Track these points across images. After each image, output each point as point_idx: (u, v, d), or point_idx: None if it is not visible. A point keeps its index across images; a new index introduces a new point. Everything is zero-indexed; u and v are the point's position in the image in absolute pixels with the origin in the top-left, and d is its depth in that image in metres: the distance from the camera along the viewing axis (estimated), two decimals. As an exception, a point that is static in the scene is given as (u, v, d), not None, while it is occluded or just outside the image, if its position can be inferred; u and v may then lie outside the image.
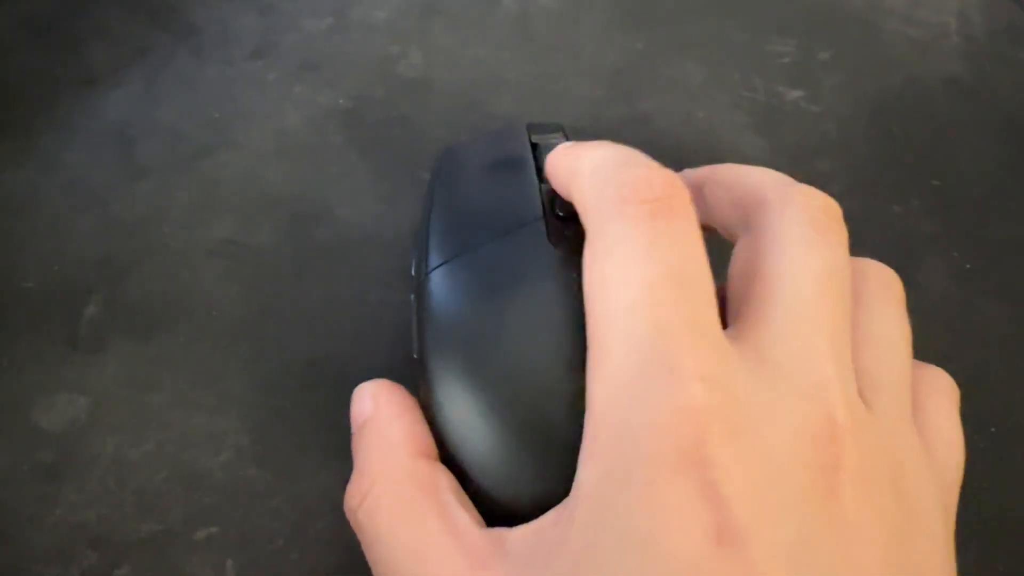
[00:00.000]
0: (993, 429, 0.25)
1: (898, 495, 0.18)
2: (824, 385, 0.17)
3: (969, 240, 0.28)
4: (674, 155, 0.29)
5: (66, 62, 0.30)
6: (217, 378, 0.24)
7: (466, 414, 0.20)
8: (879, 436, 0.18)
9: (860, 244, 0.27)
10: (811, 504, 0.16)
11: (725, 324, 0.19)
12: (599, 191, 0.19)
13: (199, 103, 0.29)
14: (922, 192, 0.29)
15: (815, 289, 0.19)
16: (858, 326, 0.20)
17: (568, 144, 0.22)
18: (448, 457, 0.20)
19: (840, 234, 0.20)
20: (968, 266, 0.27)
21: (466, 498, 0.19)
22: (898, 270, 0.27)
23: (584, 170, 0.20)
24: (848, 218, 0.28)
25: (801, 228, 0.20)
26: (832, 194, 0.28)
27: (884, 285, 0.21)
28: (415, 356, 0.21)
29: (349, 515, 0.20)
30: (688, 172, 0.23)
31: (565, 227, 0.22)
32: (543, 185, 0.23)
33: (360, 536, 0.19)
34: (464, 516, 0.18)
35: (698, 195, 0.22)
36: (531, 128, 0.25)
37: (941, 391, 0.21)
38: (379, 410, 0.21)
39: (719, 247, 0.20)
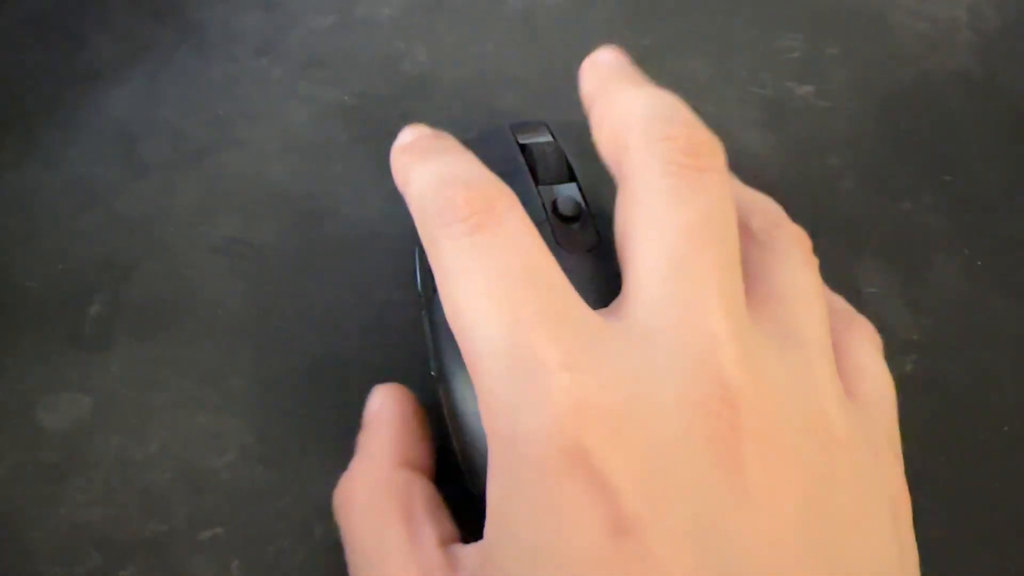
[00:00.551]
0: (1006, 428, 0.24)
1: (822, 444, 0.17)
2: (711, 347, 0.17)
3: (980, 236, 0.28)
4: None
5: (69, 59, 0.30)
6: (222, 377, 0.24)
7: None
8: (792, 387, 0.17)
9: (870, 240, 0.27)
10: (710, 477, 0.16)
11: None
12: (423, 216, 0.19)
13: (203, 101, 0.29)
14: (932, 188, 0.29)
15: (688, 243, 0.18)
16: (758, 276, 0.19)
17: (400, 146, 0.22)
18: (471, 465, 0.20)
19: (712, 171, 0.19)
20: (979, 263, 0.27)
21: (442, 514, 0.20)
22: (909, 267, 0.27)
23: (411, 195, 0.20)
24: (857, 214, 0.28)
25: (663, 179, 0.19)
26: (842, 190, 0.28)
27: (786, 234, 0.21)
28: (432, 374, 0.21)
29: (333, 508, 0.20)
30: (585, 76, 0.23)
31: (570, 228, 0.21)
32: (540, 187, 0.23)
33: (342, 536, 0.20)
34: (428, 530, 0.19)
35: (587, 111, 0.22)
36: (515, 128, 0.25)
37: (859, 334, 0.21)
38: (380, 414, 0.21)
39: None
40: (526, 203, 0.22)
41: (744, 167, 0.29)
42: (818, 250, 0.26)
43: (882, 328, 0.25)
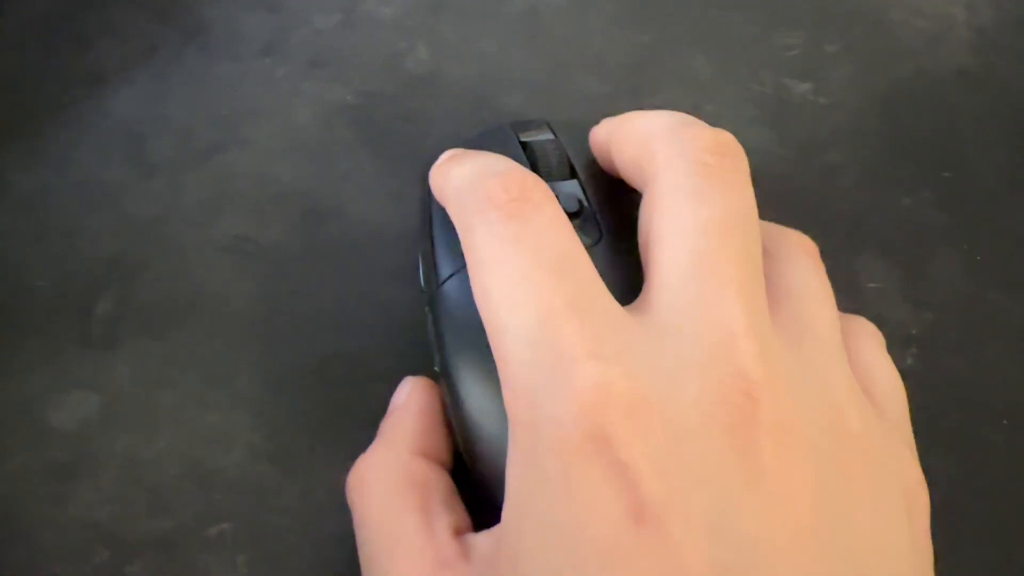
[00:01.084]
0: (1005, 422, 0.24)
1: (837, 439, 0.17)
2: (732, 341, 0.17)
3: (980, 232, 0.28)
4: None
5: (75, 61, 0.30)
6: (229, 376, 0.24)
7: (497, 420, 0.20)
8: (808, 383, 0.18)
9: (871, 236, 0.27)
10: (728, 467, 0.16)
11: None
12: (461, 208, 0.20)
13: (208, 100, 0.29)
14: (933, 184, 0.29)
15: (711, 242, 0.18)
16: (773, 281, 0.19)
17: (441, 161, 0.22)
18: (477, 464, 0.20)
19: (735, 172, 0.19)
20: (979, 258, 0.27)
21: (457, 505, 0.20)
22: (909, 263, 0.27)
23: (450, 189, 0.21)
24: (858, 211, 0.28)
25: (688, 179, 0.19)
26: (842, 187, 0.29)
27: (795, 243, 0.21)
28: (436, 369, 0.21)
29: (346, 491, 0.20)
30: (596, 129, 0.23)
31: (573, 224, 0.22)
32: None
33: (352, 513, 0.20)
34: (443, 518, 0.19)
35: (607, 155, 0.22)
36: (516, 127, 0.25)
37: (864, 334, 0.21)
38: (406, 404, 0.22)
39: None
40: None
41: (745, 164, 0.29)
42: (818, 246, 0.26)
43: (882, 323, 0.25)
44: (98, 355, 0.24)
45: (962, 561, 0.22)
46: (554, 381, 0.17)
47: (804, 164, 0.29)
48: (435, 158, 0.23)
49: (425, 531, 0.19)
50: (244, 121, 0.29)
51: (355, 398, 0.24)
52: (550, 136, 0.24)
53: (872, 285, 0.27)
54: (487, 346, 0.20)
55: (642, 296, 0.19)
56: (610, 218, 0.22)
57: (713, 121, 0.30)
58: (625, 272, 0.21)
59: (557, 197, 0.22)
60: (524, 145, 0.24)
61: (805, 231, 0.27)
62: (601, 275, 0.20)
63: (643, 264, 0.20)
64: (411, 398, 0.22)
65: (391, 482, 0.20)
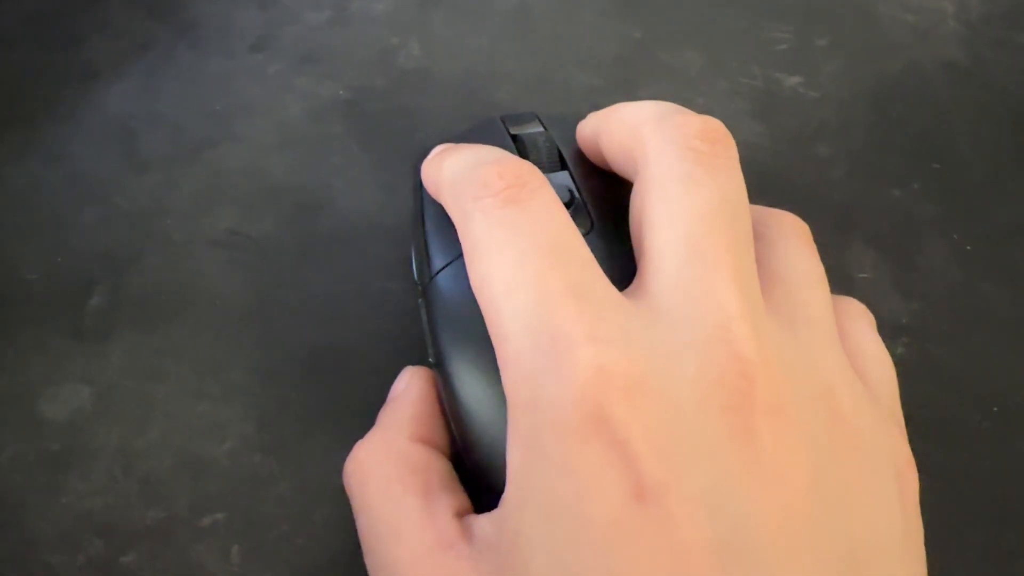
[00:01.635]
0: (995, 409, 0.25)
1: (831, 420, 0.17)
2: (727, 323, 0.17)
3: (970, 222, 0.28)
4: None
5: (68, 57, 0.30)
6: (221, 367, 0.24)
7: (491, 409, 0.20)
8: (801, 365, 0.18)
9: (861, 228, 0.28)
10: (725, 447, 0.16)
11: None
12: (456, 197, 0.20)
13: (200, 96, 0.30)
14: (922, 176, 0.29)
15: (704, 226, 0.18)
16: (764, 264, 0.20)
17: (435, 152, 0.23)
18: (473, 453, 0.20)
19: (725, 157, 0.20)
20: (969, 248, 0.27)
21: (457, 488, 0.20)
22: (899, 253, 0.27)
23: (444, 179, 0.21)
24: (848, 202, 0.28)
25: (679, 164, 0.19)
26: (832, 178, 0.29)
27: (787, 225, 0.21)
28: (430, 360, 0.21)
29: (344, 478, 0.20)
30: (584, 123, 0.23)
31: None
32: None
33: (350, 501, 0.20)
34: (444, 501, 0.19)
35: (596, 147, 0.22)
36: (506, 120, 0.25)
37: (855, 315, 0.21)
38: (406, 392, 0.21)
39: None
40: None
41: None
42: (809, 236, 0.26)
43: (873, 313, 0.25)
44: (91, 347, 0.24)
45: (951, 547, 0.22)
46: (553, 363, 0.17)
47: (794, 156, 0.29)
48: (427, 151, 0.24)
49: (426, 514, 0.19)
50: (236, 116, 0.29)
51: (347, 389, 0.24)
52: (540, 129, 0.25)
53: (863, 276, 0.27)
54: (481, 336, 0.20)
55: (636, 281, 0.19)
56: (601, 208, 0.22)
57: (705, 114, 0.30)
58: (617, 261, 0.21)
59: None
60: (515, 138, 0.24)
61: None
62: None
63: (635, 251, 0.20)
64: (411, 387, 0.22)
65: (390, 467, 0.20)
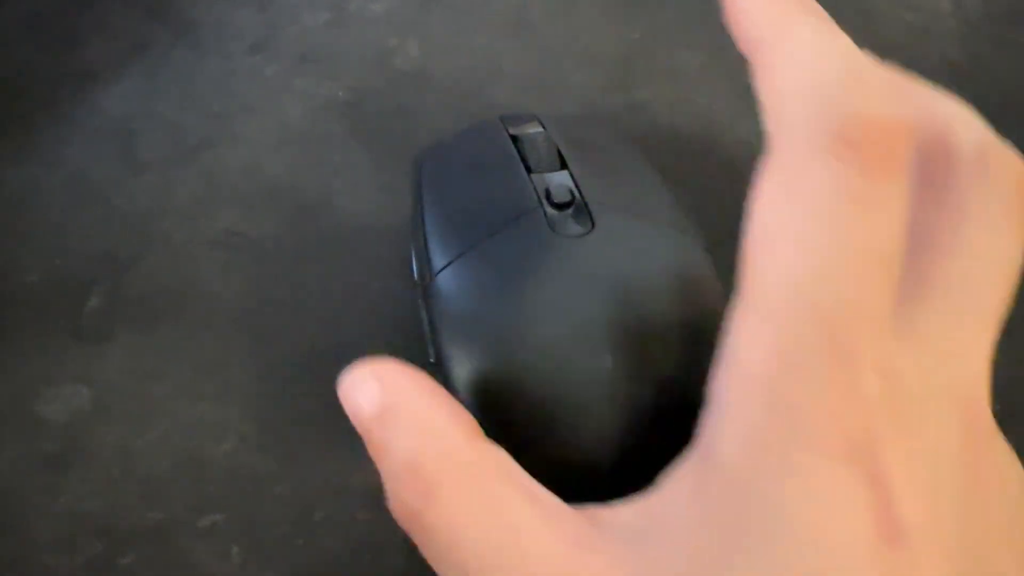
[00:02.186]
0: (998, 407, 0.24)
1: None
2: (978, 383, 0.17)
3: (969, 221, 0.28)
4: (673, 142, 0.29)
5: (66, 58, 0.30)
6: (220, 368, 0.24)
7: (493, 409, 0.20)
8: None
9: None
10: (969, 503, 0.16)
11: None
12: (812, 117, 0.16)
13: (199, 97, 0.30)
14: (921, 174, 0.29)
15: (995, 283, 0.17)
16: (948, 245, 0.18)
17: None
18: None
19: None
20: (968, 246, 0.27)
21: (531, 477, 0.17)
22: (898, 251, 0.27)
23: (799, 67, 0.17)
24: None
25: (993, 208, 0.17)
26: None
27: (1004, 170, 0.18)
28: (431, 360, 0.21)
29: (407, 521, 0.17)
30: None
31: (564, 214, 0.22)
32: (532, 176, 0.23)
33: (429, 541, 0.16)
34: (550, 496, 0.16)
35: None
36: (505, 120, 0.25)
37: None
38: (400, 395, 0.17)
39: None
40: (520, 191, 0.22)
41: (737, 156, 0.29)
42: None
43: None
44: (90, 348, 0.24)
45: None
46: (830, 376, 0.15)
47: (794, 155, 0.29)
48: (428, 149, 0.24)
49: (543, 516, 0.16)
50: (235, 117, 0.29)
51: (347, 389, 0.24)
52: (540, 129, 0.25)
53: (862, 274, 0.27)
54: (482, 336, 0.20)
55: (911, 306, 0.17)
56: (601, 208, 0.22)
57: (705, 114, 0.30)
58: (618, 261, 0.21)
59: (548, 188, 0.22)
60: (514, 138, 0.24)
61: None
62: (593, 265, 0.21)
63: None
64: (405, 384, 0.18)
65: (473, 480, 0.16)
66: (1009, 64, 0.32)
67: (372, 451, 0.17)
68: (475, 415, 0.20)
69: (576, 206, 0.22)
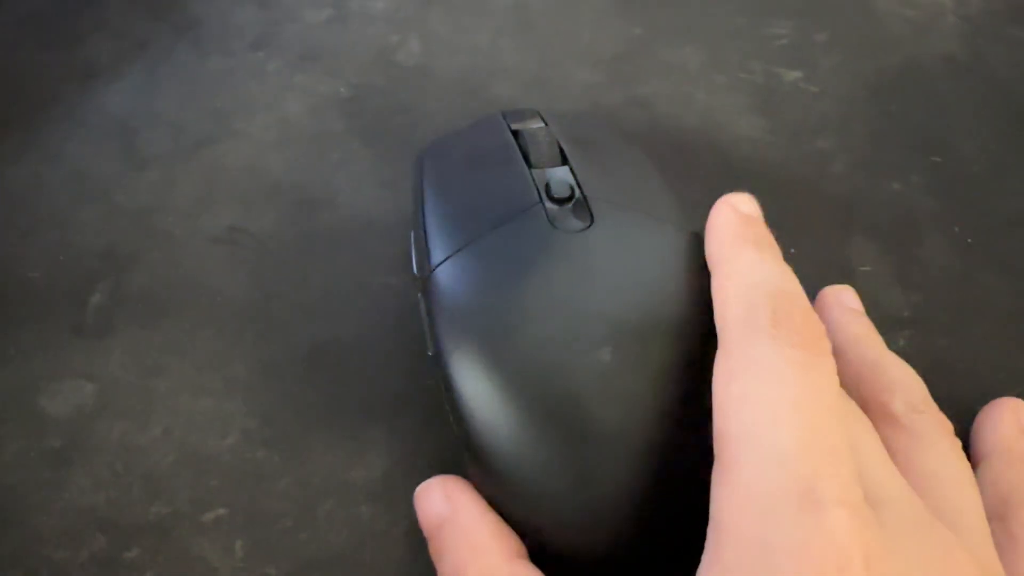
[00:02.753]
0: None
1: None
2: (968, 534, 0.18)
3: (970, 215, 0.28)
4: (674, 138, 0.29)
5: (67, 57, 0.30)
6: (223, 363, 0.24)
7: (490, 401, 0.20)
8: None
9: (862, 221, 0.28)
10: None
11: None
12: (750, 309, 0.19)
13: (200, 94, 0.30)
14: (921, 169, 0.29)
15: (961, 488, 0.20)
16: (909, 463, 0.20)
17: (733, 224, 0.22)
18: (475, 450, 0.20)
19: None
20: (969, 240, 0.27)
21: None
22: (900, 246, 0.27)
23: (740, 279, 0.20)
24: (849, 196, 0.28)
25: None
26: (833, 172, 0.29)
27: (933, 422, 0.22)
28: (429, 353, 0.21)
29: None
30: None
31: (564, 209, 0.22)
32: (533, 171, 0.23)
33: None
34: None
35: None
36: (507, 116, 0.25)
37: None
38: (459, 511, 0.20)
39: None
40: (520, 186, 0.22)
41: (737, 152, 0.29)
42: (811, 231, 0.26)
43: (875, 306, 0.25)
44: (92, 344, 0.24)
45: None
46: (799, 516, 0.16)
47: (795, 151, 0.29)
48: (429, 143, 0.24)
49: None
50: (236, 114, 0.29)
51: (348, 384, 0.24)
52: (541, 124, 0.25)
53: (864, 268, 0.27)
54: (479, 330, 0.20)
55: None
56: (601, 204, 0.22)
57: (704, 110, 0.30)
58: (617, 256, 0.21)
59: (548, 183, 0.22)
60: (515, 133, 0.24)
61: (797, 216, 0.27)
62: (591, 260, 0.21)
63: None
64: (464, 501, 0.20)
65: None
66: (1009, 60, 0.32)
67: (432, 554, 0.20)
68: (470, 407, 0.20)
69: (576, 201, 0.22)
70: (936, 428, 0.21)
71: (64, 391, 0.24)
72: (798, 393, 0.18)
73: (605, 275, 0.21)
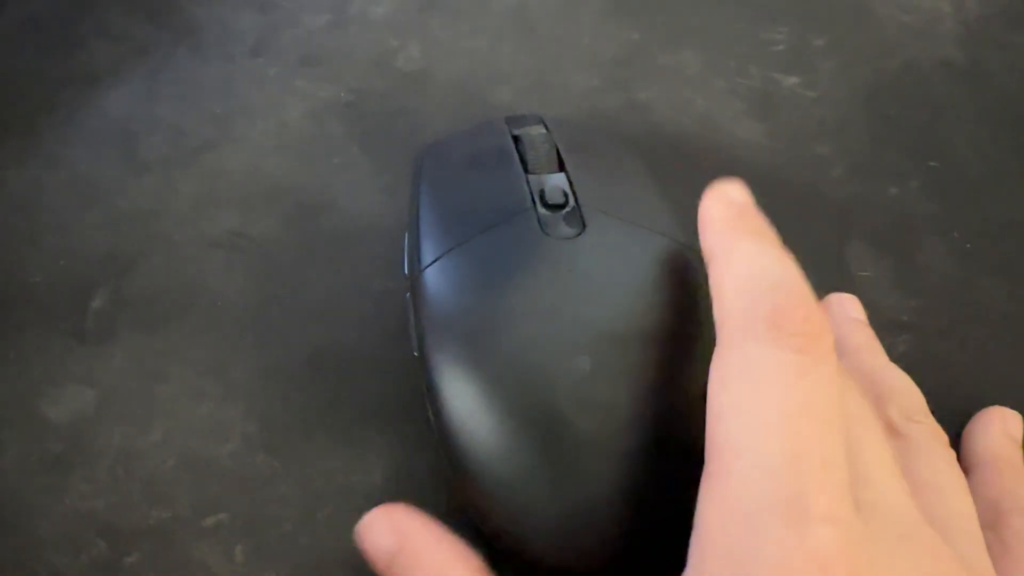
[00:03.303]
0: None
1: None
2: (962, 543, 0.18)
3: (968, 220, 0.28)
4: (672, 142, 0.29)
5: (68, 62, 0.30)
6: (223, 368, 0.24)
7: (472, 402, 0.20)
8: None
9: (860, 226, 0.28)
10: None
11: None
12: (749, 305, 0.18)
13: (200, 99, 0.30)
14: (920, 174, 0.29)
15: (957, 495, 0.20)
16: (905, 472, 0.20)
17: (728, 215, 0.21)
18: (451, 452, 0.20)
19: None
20: (968, 245, 0.27)
21: None
22: (898, 251, 0.27)
23: (738, 272, 0.19)
24: (847, 201, 0.28)
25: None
26: (831, 177, 0.29)
27: (928, 432, 0.22)
28: (415, 354, 0.21)
29: None
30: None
31: (556, 215, 0.22)
32: (530, 176, 0.23)
33: None
34: None
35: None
36: (510, 121, 0.25)
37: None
38: (412, 539, 0.20)
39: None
40: (514, 190, 0.22)
41: (735, 157, 0.29)
42: (809, 236, 0.26)
43: (873, 310, 0.25)
44: (93, 349, 0.24)
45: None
46: (784, 530, 0.16)
47: (793, 156, 0.29)
48: (429, 145, 0.23)
49: None
50: (236, 119, 0.29)
51: (349, 388, 0.24)
52: (543, 130, 0.25)
53: (862, 274, 0.27)
54: (465, 332, 0.20)
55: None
56: (594, 212, 0.22)
57: (703, 115, 0.30)
58: (604, 265, 0.21)
59: (543, 189, 0.22)
60: (516, 138, 0.24)
61: (796, 221, 0.27)
62: (582, 267, 0.21)
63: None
64: (415, 529, 0.20)
65: None
66: (1007, 65, 0.32)
67: None
68: (452, 408, 0.20)
69: (568, 208, 0.22)
70: (932, 438, 0.21)
71: (65, 396, 0.24)
72: (791, 401, 0.17)
73: (591, 283, 0.21)
